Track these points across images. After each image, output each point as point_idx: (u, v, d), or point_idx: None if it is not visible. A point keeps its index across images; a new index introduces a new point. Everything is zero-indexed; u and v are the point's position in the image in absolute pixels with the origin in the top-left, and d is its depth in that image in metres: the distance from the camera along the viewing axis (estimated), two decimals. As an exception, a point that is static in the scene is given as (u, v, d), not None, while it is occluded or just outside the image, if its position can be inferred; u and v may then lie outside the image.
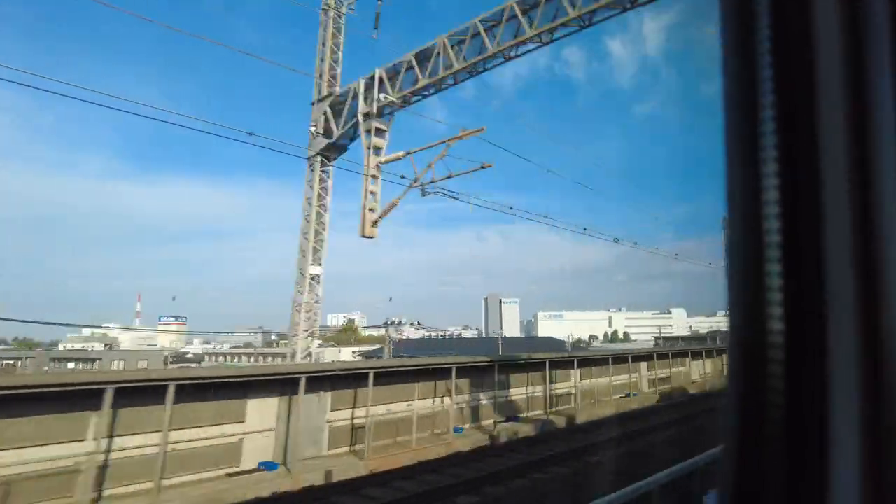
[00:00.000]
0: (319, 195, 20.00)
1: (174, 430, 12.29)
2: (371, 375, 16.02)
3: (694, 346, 43.49)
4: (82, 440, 11.17)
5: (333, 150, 19.58)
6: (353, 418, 16.39)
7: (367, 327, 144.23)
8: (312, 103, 19.92)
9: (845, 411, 0.66)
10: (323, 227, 20.14)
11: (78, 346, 67.71)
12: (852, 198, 0.68)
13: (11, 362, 49.84)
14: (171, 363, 42.30)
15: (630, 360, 30.43)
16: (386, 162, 16.79)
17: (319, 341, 18.96)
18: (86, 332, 77.13)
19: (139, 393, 11.76)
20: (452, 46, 15.12)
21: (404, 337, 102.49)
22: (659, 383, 32.32)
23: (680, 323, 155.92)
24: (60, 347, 69.33)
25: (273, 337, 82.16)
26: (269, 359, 46.36)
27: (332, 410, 16.00)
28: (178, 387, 11.95)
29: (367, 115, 16.93)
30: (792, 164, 0.73)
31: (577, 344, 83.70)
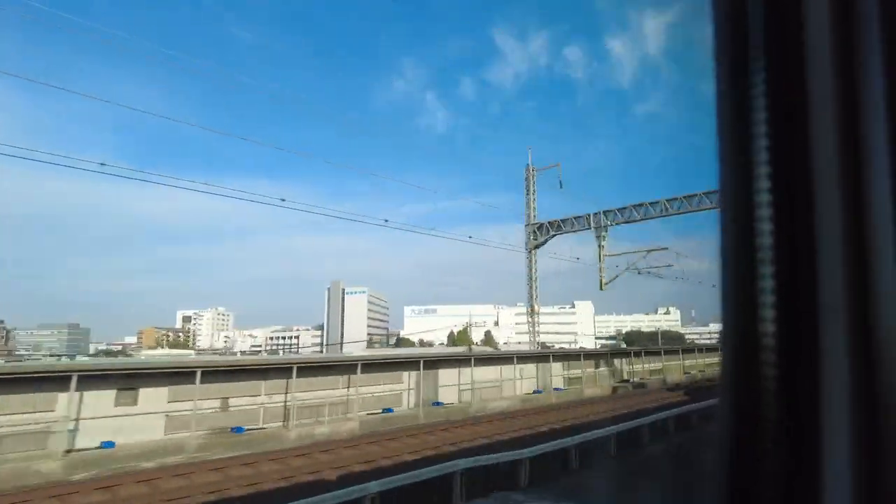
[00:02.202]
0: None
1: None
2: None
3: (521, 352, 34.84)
4: None
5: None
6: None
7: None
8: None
9: (839, 412, 0.67)
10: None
11: None
12: (844, 198, 0.69)
13: None
14: None
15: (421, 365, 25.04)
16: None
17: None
18: None
19: None
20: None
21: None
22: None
23: (585, 319, 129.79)
24: None
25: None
26: None
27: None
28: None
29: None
30: (784, 165, 0.73)
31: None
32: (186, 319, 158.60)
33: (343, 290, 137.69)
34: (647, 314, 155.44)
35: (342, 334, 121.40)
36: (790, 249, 0.71)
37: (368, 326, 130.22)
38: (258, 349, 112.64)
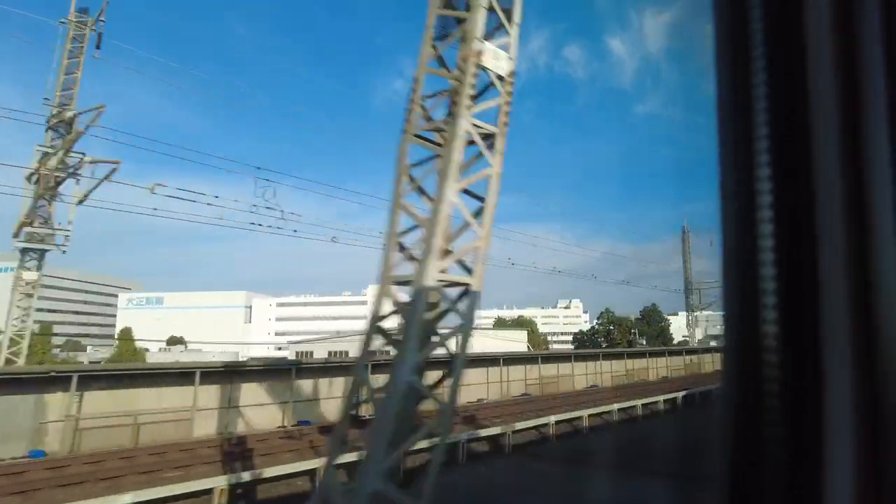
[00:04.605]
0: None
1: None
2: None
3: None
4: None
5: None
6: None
7: None
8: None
9: (841, 412, 0.67)
10: None
11: None
12: (846, 197, 0.69)
13: None
14: None
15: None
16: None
17: None
18: None
19: None
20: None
21: None
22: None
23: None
24: None
25: None
26: None
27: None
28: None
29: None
30: (786, 164, 0.73)
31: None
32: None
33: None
34: (542, 308, 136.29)
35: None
36: (792, 248, 0.71)
37: (81, 323, 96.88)
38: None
